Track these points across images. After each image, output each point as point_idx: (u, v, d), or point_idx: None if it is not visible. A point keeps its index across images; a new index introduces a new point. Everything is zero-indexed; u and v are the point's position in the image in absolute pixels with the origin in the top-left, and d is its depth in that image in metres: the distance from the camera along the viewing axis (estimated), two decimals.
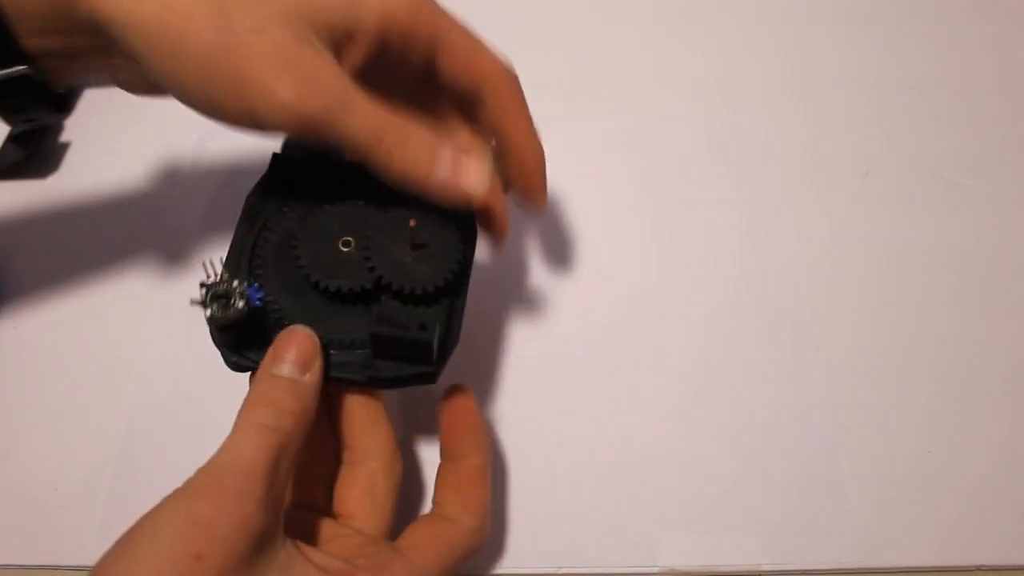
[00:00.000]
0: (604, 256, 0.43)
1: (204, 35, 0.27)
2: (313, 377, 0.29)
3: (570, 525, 0.35)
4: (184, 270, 0.43)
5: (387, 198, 0.32)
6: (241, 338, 0.30)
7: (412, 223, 0.30)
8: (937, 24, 0.52)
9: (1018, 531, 0.35)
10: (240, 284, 0.29)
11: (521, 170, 0.34)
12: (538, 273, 0.42)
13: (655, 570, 0.34)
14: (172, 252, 0.44)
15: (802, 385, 0.39)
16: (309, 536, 0.29)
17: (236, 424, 0.27)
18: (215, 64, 0.28)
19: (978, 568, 0.34)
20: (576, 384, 0.39)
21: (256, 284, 0.30)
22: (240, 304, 0.28)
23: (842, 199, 0.45)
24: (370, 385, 0.30)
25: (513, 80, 0.34)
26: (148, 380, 0.39)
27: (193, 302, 0.29)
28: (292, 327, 0.29)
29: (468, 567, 0.34)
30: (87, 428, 0.38)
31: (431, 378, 0.30)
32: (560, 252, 0.43)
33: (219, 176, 0.46)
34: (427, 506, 0.32)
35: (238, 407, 0.30)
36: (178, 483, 0.36)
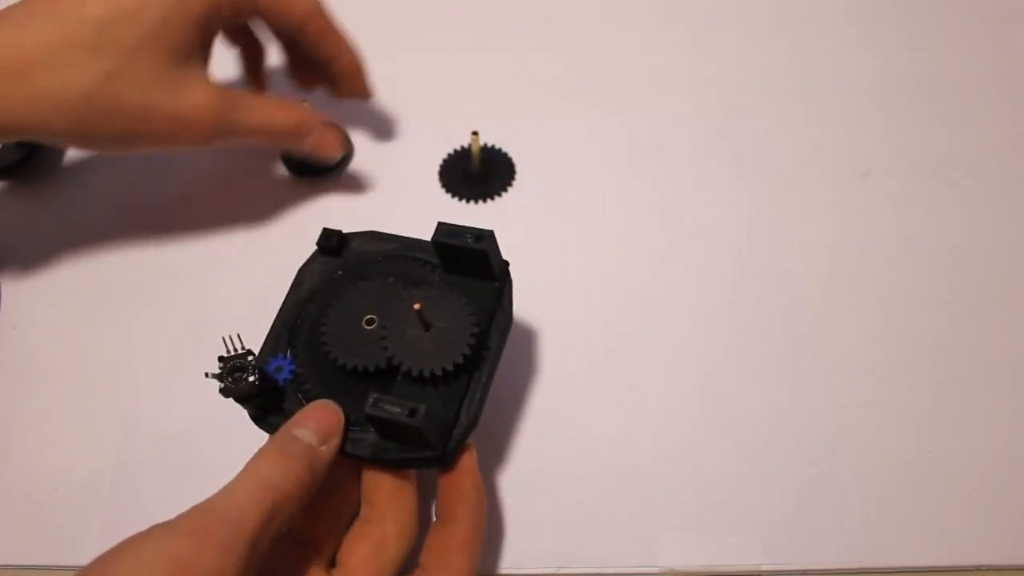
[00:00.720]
0: (604, 256, 0.43)
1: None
2: (329, 450, 0.29)
3: (571, 525, 0.35)
4: (184, 271, 0.43)
5: (420, 276, 0.33)
6: (267, 408, 0.31)
7: (417, 306, 0.30)
8: (937, 24, 0.52)
9: (1018, 531, 0.35)
10: (254, 359, 0.30)
11: (346, 75, 0.43)
12: (539, 273, 0.42)
13: (656, 570, 0.34)
14: (172, 252, 0.44)
15: (802, 385, 0.39)
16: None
17: (243, 471, 0.27)
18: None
19: (978, 568, 0.34)
20: (577, 385, 0.39)
21: (290, 358, 0.31)
22: (251, 379, 0.29)
23: (842, 199, 0.45)
24: (376, 464, 0.30)
25: (320, 11, 0.41)
26: (147, 382, 0.39)
27: (209, 375, 0.30)
28: (323, 401, 0.30)
29: None
30: (86, 429, 0.38)
31: (439, 462, 0.30)
32: (561, 252, 0.43)
33: (218, 178, 0.46)
34: None
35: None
36: (176, 485, 0.36)
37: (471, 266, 0.32)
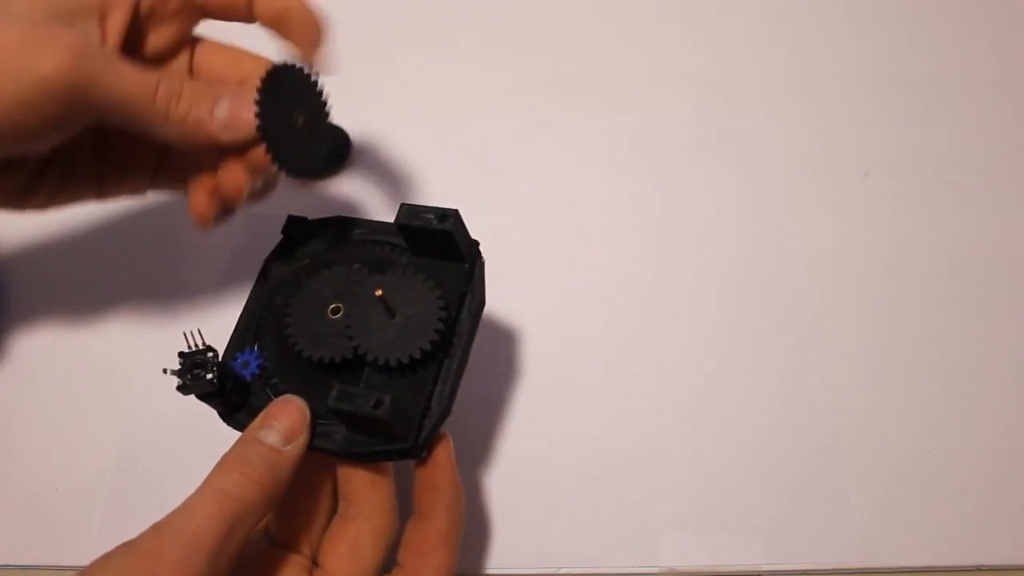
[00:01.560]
0: (605, 255, 0.43)
1: None
2: (294, 450, 0.28)
3: (571, 525, 0.35)
4: (187, 276, 0.43)
5: (387, 260, 0.31)
6: (232, 405, 0.30)
7: (379, 292, 0.29)
8: (937, 24, 0.52)
9: (1018, 531, 0.35)
10: (214, 355, 0.29)
11: (306, 42, 0.34)
12: (539, 272, 0.42)
13: (656, 570, 0.34)
14: (174, 258, 0.44)
15: (802, 385, 0.39)
16: None
17: (202, 484, 0.27)
18: None
19: (978, 568, 0.34)
20: (577, 384, 0.39)
21: (255, 352, 0.30)
22: (209, 376, 0.29)
23: (842, 199, 0.45)
24: (348, 457, 0.30)
25: None
26: (148, 383, 0.39)
27: (167, 371, 0.29)
28: (287, 396, 0.29)
29: (469, 567, 0.34)
30: (87, 429, 0.38)
31: (411, 453, 0.29)
32: (561, 251, 0.43)
33: None
34: None
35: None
36: (176, 485, 0.36)
37: (439, 247, 0.31)
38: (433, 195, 0.45)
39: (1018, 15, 0.53)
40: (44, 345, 0.41)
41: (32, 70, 0.28)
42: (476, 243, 0.32)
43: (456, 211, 0.30)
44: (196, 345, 0.29)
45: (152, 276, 0.43)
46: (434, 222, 0.30)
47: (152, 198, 0.45)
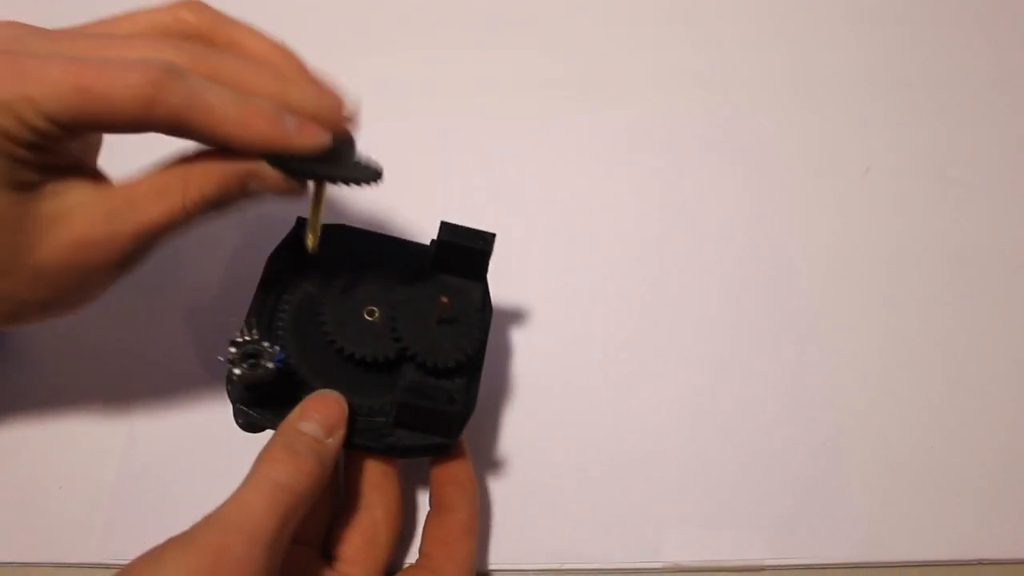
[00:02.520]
0: (606, 253, 0.43)
1: None
2: (335, 442, 0.29)
3: (574, 521, 0.35)
4: (190, 269, 0.43)
5: (405, 269, 0.33)
6: (259, 399, 0.30)
7: (444, 300, 0.31)
8: (938, 22, 0.52)
9: (1019, 526, 0.35)
10: (271, 345, 0.29)
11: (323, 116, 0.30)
12: (541, 271, 0.42)
13: (659, 566, 0.34)
14: (179, 252, 0.44)
15: (804, 381, 0.39)
16: (301, 575, 0.29)
17: (252, 475, 0.27)
18: None
19: (980, 562, 0.34)
20: (580, 381, 0.39)
21: (277, 346, 0.30)
22: (270, 364, 0.29)
23: (843, 196, 0.45)
24: (388, 453, 0.31)
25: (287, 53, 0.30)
26: (153, 378, 0.39)
27: (223, 360, 0.29)
28: (324, 391, 0.30)
29: None
30: (91, 425, 0.38)
31: (447, 450, 0.31)
32: (563, 249, 0.43)
33: None
34: (414, 555, 0.32)
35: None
36: (179, 483, 0.36)
37: (462, 266, 0.33)
38: (433, 193, 0.45)
39: (1018, 13, 0.53)
40: (47, 342, 0.41)
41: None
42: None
43: (494, 234, 0.33)
44: (246, 334, 0.29)
45: (154, 274, 0.43)
46: (478, 243, 0.32)
47: None
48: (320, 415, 0.29)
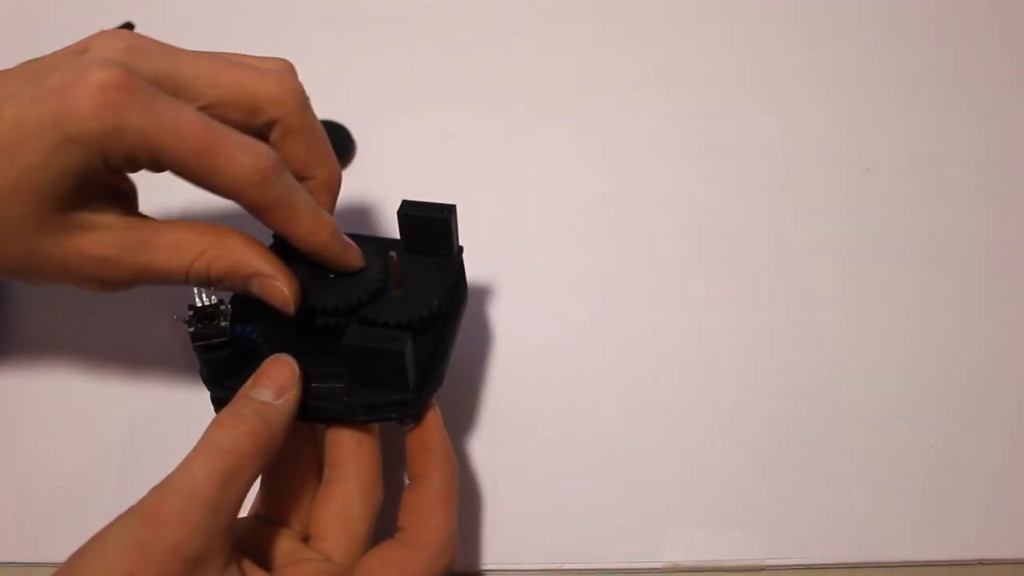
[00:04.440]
0: (606, 251, 0.43)
1: None
2: (286, 404, 0.29)
3: (574, 521, 0.35)
4: None
5: (382, 253, 0.33)
6: (227, 371, 0.30)
7: (392, 255, 0.31)
8: (939, 21, 0.53)
9: (1019, 525, 0.35)
10: (226, 305, 0.29)
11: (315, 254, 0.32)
12: (544, 267, 0.42)
13: (659, 565, 0.34)
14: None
15: (805, 381, 0.39)
16: (269, 554, 0.29)
17: (197, 444, 0.27)
18: None
19: (979, 562, 0.34)
20: (579, 380, 0.39)
21: (248, 328, 0.31)
22: (223, 323, 0.29)
23: (844, 195, 0.45)
24: (346, 415, 0.30)
25: (275, 172, 0.30)
26: (151, 377, 0.39)
27: (178, 319, 0.30)
28: (276, 355, 0.30)
29: (472, 564, 0.34)
30: (90, 425, 0.38)
31: (410, 408, 0.30)
32: (563, 248, 0.43)
33: None
34: None
35: None
36: None
37: (430, 242, 0.33)
38: (433, 192, 0.45)
39: (1019, 11, 0.53)
40: (46, 341, 0.41)
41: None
42: (461, 248, 0.34)
43: (454, 205, 0.33)
44: (206, 301, 0.30)
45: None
46: (438, 213, 0.33)
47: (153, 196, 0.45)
48: (270, 380, 0.29)
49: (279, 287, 0.30)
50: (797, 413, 0.38)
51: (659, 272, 0.42)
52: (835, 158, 0.46)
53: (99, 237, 0.30)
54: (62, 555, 0.35)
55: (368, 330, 0.29)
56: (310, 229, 0.31)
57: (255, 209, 0.30)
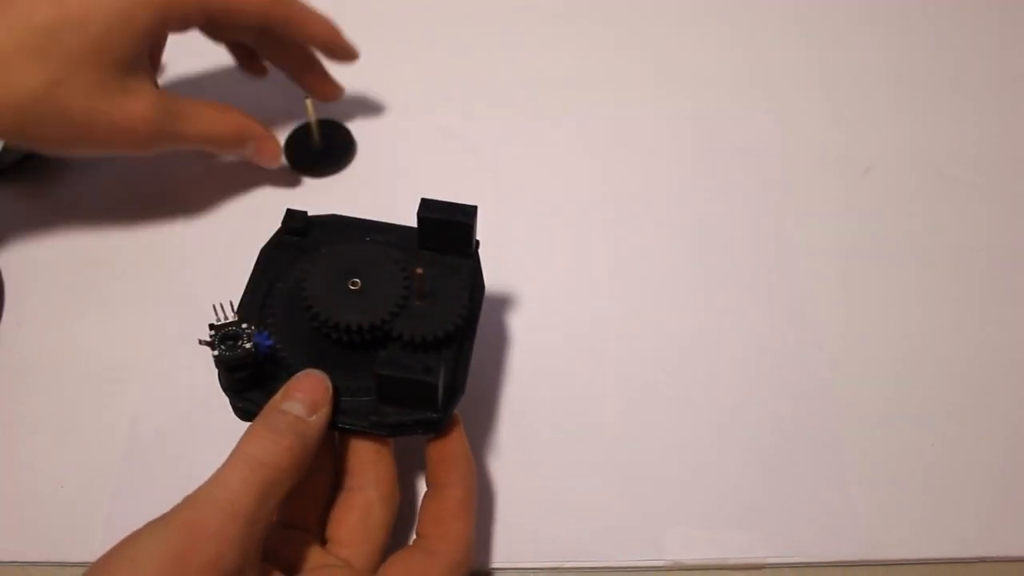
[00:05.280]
0: (607, 250, 0.43)
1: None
2: (319, 420, 0.29)
3: (575, 520, 0.35)
4: (187, 266, 0.43)
5: (394, 250, 0.33)
6: (249, 384, 0.30)
7: (419, 272, 0.31)
8: (938, 21, 0.53)
9: (1020, 523, 0.35)
10: (249, 326, 0.29)
11: (327, 48, 0.44)
12: (544, 268, 0.42)
13: (660, 564, 0.34)
14: (175, 248, 0.44)
15: (805, 380, 0.39)
16: (295, 560, 0.29)
17: (231, 454, 0.27)
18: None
19: (980, 560, 0.34)
20: (581, 379, 0.39)
21: (266, 333, 0.30)
22: (248, 345, 0.29)
23: (843, 195, 0.45)
24: (374, 431, 0.30)
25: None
26: (153, 376, 0.39)
27: (202, 343, 0.29)
28: (308, 371, 0.30)
29: (473, 563, 0.34)
30: (91, 424, 0.38)
31: (436, 426, 0.30)
32: (565, 247, 0.43)
33: (216, 174, 0.46)
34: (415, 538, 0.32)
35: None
36: (181, 481, 0.36)
37: (448, 242, 0.33)
38: (433, 191, 0.45)
39: (1018, 11, 0.53)
40: (48, 341, 0.41)
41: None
42: (478, 242, 0.34)
43: (475, 208, 0.32)
44: (226, 317, 0.29)
45: (156, 270, 0.43)
46: (459, 216, 0.32)
47: (152, 195, 0.45)
48: (302, 394, 0.29)
49: (272, 145, 0.43)
50: (798, 412, 0.38)
51: (659, 272, 0.42)
52: (835, 158, 0.46)
53: (147, 102, 0.37)
54: (62, 554, 0.35)
55: (398, 358, 0.29)
56: (324, 27, 0.43)
57: (283, 22, 0.41)
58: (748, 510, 0.35)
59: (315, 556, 0.29)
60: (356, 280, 0.31)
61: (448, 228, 0.32)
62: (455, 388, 0.31)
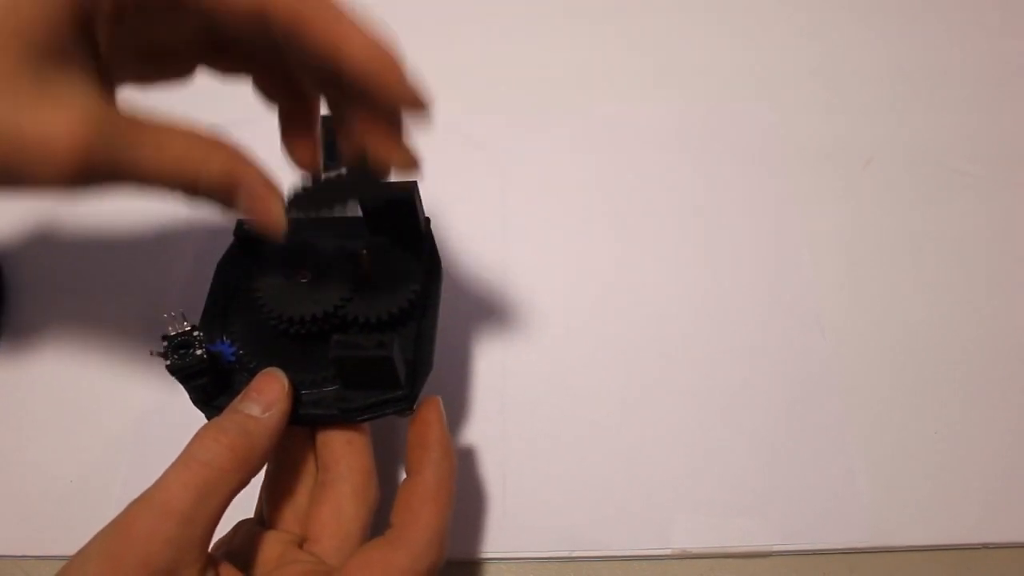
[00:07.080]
0: (614, 245, 0.43)
1: None
2: (272, 417, 0.28)
3: (582, 509, 0.36)
4: (191, 265, 0.43)
5: (347, 241, 0.32)
6: (215, 391, 0.30)
7: (364, 253, 0.31)
8: (939, 12, 0.53)
9: (1023, 509, 0.35)
10: (200, 332, 0.29)
11: (372, 83, 0.26)
12: (549, 259, 0.43)
13: (667, 552, 0.35)
14: (178, 250, 0.44)
15: (810, 369, 0.39)
16: (264, 559, 0.29)
17: (178, 456, 0.27)
18: None
19: (984, 546, 0.35)
20: (588, 368, 0.39)
21: (227, 341, 0.30)
22: (199, 352, 0.29)
23: (845, 187, 0.45)
24: (343, 418, 0.30)
25: None
26: (161, 371, 0.39)
27: (154, 353, 0.29)
28: (267, 369, 0.30)
29: (479, 551, 0.35)
30: (101, 419, 0.38)
31: (407, 403, 0.30)
32: (572, 242, 0.44)
33: None
34: None
35: None
36: None
37: (397, 223, 0.33)
38: (436, 188, 0.45)
39: (1018, 2, 0.53)
40: (57, 338, 0.41)
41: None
42: (428, 220, 0.34)
43: (415, 182, 0.32)
44: (181, 327, 0.29)
45: (158, 270, 0.43)
46: (399, 193, 0.32)
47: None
48: (257, 393, 0.29)
49: (271, 203, 0.26)
50: (802, 401, 0.38)
51: (663, 263, 0.43)
52: (837, 149, 0.47)
53: (76, 112, 0.23)
54: (74, 549, 0.35)
55: (351, 339, 0.28)
56: (363, 42, 0.25)
57: (285, 23, 0.25)
58: (754, 498, 0.36)
59: (283, 554, 0.29)
60: (306, 272, 0.31)
61: (392, 208, 0.32)
62: (419, 365, 0.31)
